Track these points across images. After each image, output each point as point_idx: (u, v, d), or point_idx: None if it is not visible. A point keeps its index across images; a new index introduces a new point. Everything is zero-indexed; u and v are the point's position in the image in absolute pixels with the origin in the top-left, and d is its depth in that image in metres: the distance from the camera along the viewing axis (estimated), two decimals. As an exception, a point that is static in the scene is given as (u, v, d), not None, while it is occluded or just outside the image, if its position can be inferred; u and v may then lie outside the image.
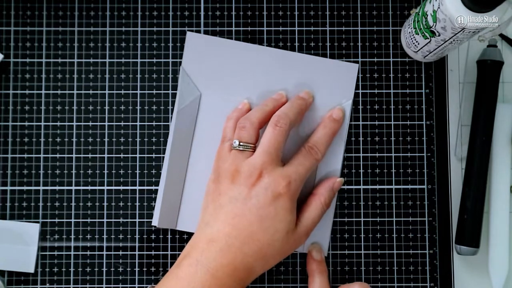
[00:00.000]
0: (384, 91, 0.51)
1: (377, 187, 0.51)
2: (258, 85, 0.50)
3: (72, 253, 0.50)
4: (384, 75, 0.51)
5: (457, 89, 0.52)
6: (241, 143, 0.45)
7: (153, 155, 0.51)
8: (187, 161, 0.51)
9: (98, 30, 0.51)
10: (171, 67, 0.51)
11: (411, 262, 0.50)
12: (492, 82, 0.49)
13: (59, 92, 0.51)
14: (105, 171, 0.51)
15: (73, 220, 0.50)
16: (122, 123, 0.51)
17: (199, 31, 0.51)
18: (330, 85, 0.51)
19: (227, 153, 0.46)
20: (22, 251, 0.50)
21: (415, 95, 0.51)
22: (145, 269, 0.50)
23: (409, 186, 0.51)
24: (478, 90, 0.50)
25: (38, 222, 0.50)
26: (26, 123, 0.51)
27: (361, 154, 0.51)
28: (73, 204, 0.50)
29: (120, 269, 0.50)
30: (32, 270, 0.50)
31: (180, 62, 0.51)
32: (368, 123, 0.51)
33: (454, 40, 0.44)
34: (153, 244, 0.50)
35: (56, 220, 0.50)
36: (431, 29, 0.44)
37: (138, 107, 0.51)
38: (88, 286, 0.50)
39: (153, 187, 0.51)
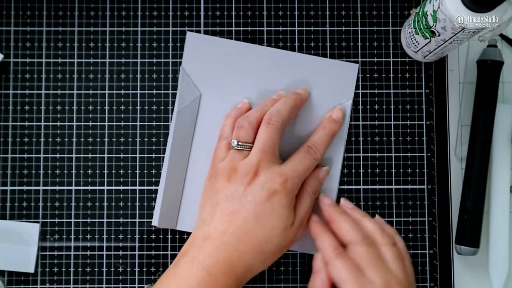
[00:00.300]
0: (384, 91, 0.51)
1: (377, 187, 0.51)
2: (258, 85, 0.50)
3: (72, 253, 0.50)
4: (384, 75, 0.51)
5: (457, 89, 0.52)
6: (239, 143, 0.46)
7: (153, 155, 0.51)
8: (187, 161, 0.51)
9: (98, 30, 0.51)
10: (171, 67, 0.51)
11: (411, 262, 0.50)
12: (492, 82, 0.49)
13: (59, 92, 0.51)
14: (105, 171, 0.51)
15: (73, 220, 0.50)
16: (122, 123, 0.51)
17: (199, 31, 0.51)
18: (330, 85, 0.51)
19: (224, 151, 0.46)
20: (22, 251, 0.50)
21: (415, 95, 0.51)
22: (145, 269, 0.50)
23: (409, 186, 0.51)
24: (478, 90, 0.49)
25: (38, 222, 0.50)
26: (26, 123, 0.51)
27: (361, 154, 0.51)
28: (73, 204, 0.50)
29: (120, 269, 0.50)
30: (32, 270, 0.50)
31: (180, 62, 0.51)
32: (368, 123, 0.51)
33: (454, 40, 0.44)
34: (153, 244, 0.50)
35: (56, 220, 0.50)
36: (431, 29, 0.44)
37: (138, 107, 0.51)
38: (88, 286, 0.50)
39: (153, 187, 0.51)
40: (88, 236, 0.50)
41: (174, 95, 0.51)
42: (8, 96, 0.51)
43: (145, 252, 0.50)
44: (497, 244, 0.49)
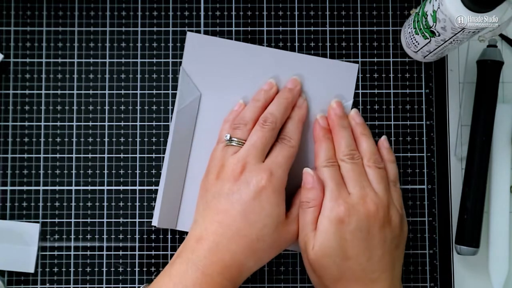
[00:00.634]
0: (384, 91, 0.51)
1: (377, 187, 0.51)
2: (258, 85, 0.50)
3: (72, 253, 0.50)
4: (384, 75, 0.51)
5: (457, 89, 0.52)
6: (233, 138, 0.46)
7: (153, 155, 0.51)
8: (187, 161, 0.51)
9: (98, 30, 0.51)
10: (171, 67, 0.51)
11: (411, 262, 0.50)
12: (492, 82, 0.49)
13: (59, 92, 0.51)
14: (105, 171, 0.51)
15: (73, 220, 0.50)
16: (122, 123, 0.51)
17: (199, 31, 0.51)
18: (330, 85, 0.51)
19: (220, 153, 0.46)
20: (22, 251, 0.50)
21: (415, 95, 0.51)
22: (145, 269, 0.50)
23: (409, 186, 0.51)
24: (478, 90, 0.49)
25: (38, 222, 0.50)
26: (26, 123, 0.51)
27: (361, 154, 0.51)
28: (73, 204, 0.50)
29: (120, 269, 0.50)
30: (32, 270, 0.50)
31: (180, 62, 0.51)
32: (368, 123, 0.51)
33: (454, 40, 0.44)
34: (153, 244, 0.50)
35: (56, 220, 0.50)
36: (431, 29, 0.44)
37: (138, 107, 0.51)
38: (88, 286, 0.50)
39: (153, 187, 0.51)
40: (88, 236, 0.50)
41: (174, 95, 0.51)
42: (8, 96, 0.51)
43: (145, 252, 0.50)
44: (497, 244, 0.49)
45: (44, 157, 0.51)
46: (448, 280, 0.50)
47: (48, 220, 0.50)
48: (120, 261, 0.50)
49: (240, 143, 0.46)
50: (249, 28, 0.52)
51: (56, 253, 0.50)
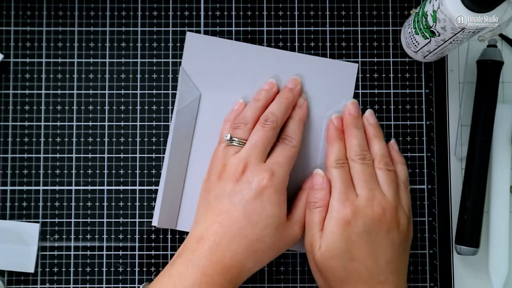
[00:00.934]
0: (384, 91, 0.51)
1: (377, 187, 0.51)
2: (257, 85, 0.50)
3: (72, 253, 0.50)
4: (384, 75, 0.51)
5: (457, 89, 0.52)
6: (233, 138, 0.46)
7: (153, 155, 0.51)
8: (187, 161, 0.51)
9: (98, 30, 0.51)
10: (171, 67, 0.51)
11: (411, 262, 0.50)
12: (492, 82, 0.49)
13: (59, 92, 0.51)
14: (105, 171, 0.51)
15: (73, 220, 0.50)
16: (122, 123, 0.51)
17: (199, 31, 0.51)
18: (329, 85, 0.51)
19: (221, 153, 0.46)
20: (22, 251, 0.50)
21: (415, 95, 0.51)
22: (145, 269, 0.50)
23: (409, 186, 0.51)
24: (478, 90, 0.49)
25: (38, 222, 0.50)
26: (26, 123, 0.51)
27: (361, 154, 0.51)
28: (73, 204, 0.50)
29: (120, 269, 0.50)
30: (32, 270, 0.50)
31: (180, 62, 0.51)
32: (368, 123, 0.51)
33: (454, 40, 0.44)
34: (153, 244, 0.50)
35: (56, 220, 0.50)
36: (431, 29, 0.44)
37: (138, 107, 0.51)
38: (88, 286, 0.50)
39: (153, 187, 0.51)
40: (88, 236, 0.50)
41: (174, 95, 0.51)
42: (8, 96, 0.51)
43: (145, 252, 0.50)
44: (497, 244, 0.49)
45: (44, 157, 0.51)
46: (448, 280, 0.50)
47: (48, 220, 0.50)
48: (120, 261, 0.50)
49: (241, 143, 0.46)
50: (249, 28, 0.52)
51: (56, 253, 0.50)
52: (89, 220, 0.50)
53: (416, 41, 0.48)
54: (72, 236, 0.50)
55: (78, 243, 0.50)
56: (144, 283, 0.46)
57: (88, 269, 0.50)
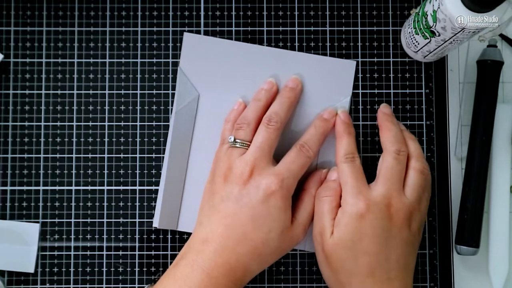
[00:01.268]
0: (384, 91, 0.51)
1: (377, 187, 0.51)
2: (256, 85, 0.50)
3: (72, 253, 0.50)
4: (384, 75, 0.51)
5: (457, 89, 0.52)
6: (237, 140, 0.46)
7: (153, 155, 0.51)
8: (186, 161, 0.51)
9: (98, 30, 0.51)
10: (171, 67, 0.51)
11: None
12: (492, 82, 0.49)
13: (59, 92, 0.51)
14: (105, 171, 0.51)
15: (73, 220, 0.50)
16: (122, 123, 0.51)
17: (199, 31, 0.51)
18: (328, 82, 0.51)
19: (224, 154, 0.46)
20: (22, 251, 0.50)
21: (415, 95, 0.51)
22: (145, 269, 0.50)
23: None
24: (478, 90, 0.49)
25: (38, 222, 0.50)
26: (26, 123, 0.51)
27: (361, 154, 0.51)
28: (73, 204, 0.50)
29: (120, 269, 0.50)
30: (32, 270, 0.50)
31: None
32: (368, 123, 0.51)
33: (454, 40, 0.44)
34: (153, 244, 0.50)
35: (56, 220, 0.50)
36: (431, 29, 0.44)
37: (138, 107, 0.51)
38: (88, 286, 0.50)
39: (153, 187, 0.51)
40: (88, 236, 0.50)
41: (174, 95, 0.51)
42: (8, 96, 0.51)
43: (145, 252, 0.50)
44: (497, 244, 0.49)
45: (44, 157, 0.51)
46: (448, 280, 0.50)
47: (48, 220, 0.50)
48: (120, 261, 0.50)
49: (244, 144, 0.46)
50: (249, 28, 0.51)
51: (56, 253, 0.50)
52: (89, 220, 0.50)
53: (416, 41, 0.48)
54: (72, 236, 0.50)
55: (78, 243, 0.50)
56: (148, 285, 0.46)
57: (88, 269, 0.50)
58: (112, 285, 0.50)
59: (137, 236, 0.50)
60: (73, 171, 0.51)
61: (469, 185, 0.49)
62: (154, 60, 0.51)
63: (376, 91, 0.51)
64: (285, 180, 0.44)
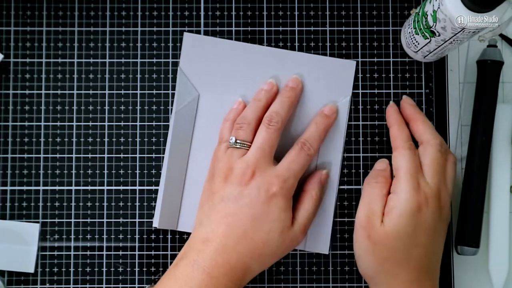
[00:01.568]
0: (384, 91, 0.51)
1: (377, 187, 0.51)
2: (256, 85, 0.50)
3: (72, 253, 0.50)
4: (384, 75, 0.51)
5: (457, 89, 0.52)
6: (237, 141, 0.46)
7: (153, 155, 0.51)
8: (186, 161, 0.51)
9: (98, 30, 0.51)
10: (171, 67, 0.51)
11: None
12: (492, 82, 0.49)
13: (59, 92, 0.51)
14: (105, 171, 0.51)
15: (73, 220, 0.50)
16: (122, 123, 0.51)
17: (199, 31, 0.51)
18: (328, 82, 0.51)
19: (223, 153, 0.46)
20: (22, 251, 0.50)
21: (415, 95, 0.51)
22: (145, 269, 0.50)
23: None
24: (478, 90, 0.49)
25: (38, 222, 0.50)
26: (26, 123, 0.51)
27: (361, 154, 0.51)
28: (73, 204, 0.50)
29: (120, 269, 0.50)
30: (32, 270, 0.50)
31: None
32: (368, 123, 0.51)
33: (454, 40, 0.44)
34: (153, 244, 0.50)
35: (56, 220, 0.50)
36: (431, 29, 0.44)
37: (138, 107, 0.51)
38: (88, 286, 0.50)
39: (153, 187, 0.51)
40: (88, 236, 0.50)
41: (174, 95, 0.51)
42: (8, 96, 0.51)
43: (145, 252, 0.50)
44: (497, 244, 0.49)
45: (44, 157, 0.51)
46: (448, 280, 0.50)
47: (48, 220, 0.50)
48: (120, 261, 0.50)
49: (244, 145, 0.46)
50: (249, 28, 0.52)
51: (56, 253, 0.50)
52: (89, 220, 0.50)
53: (416, 41, 0.48)
54: (72, 236, 0.50)
55: (78, 243, 0.50)
56: (148, 285, 0.46)
57: (88, 269, 0.50)
58: (112, 285, 0.50)
59: (137, 236, 0.50)
60: (73, 171, 0.51)
61: (469, 185, 0.49)
62: (154, 60, 0.51)
63: (376, 91, 0.51)
64: (286, 181, 0.44)
